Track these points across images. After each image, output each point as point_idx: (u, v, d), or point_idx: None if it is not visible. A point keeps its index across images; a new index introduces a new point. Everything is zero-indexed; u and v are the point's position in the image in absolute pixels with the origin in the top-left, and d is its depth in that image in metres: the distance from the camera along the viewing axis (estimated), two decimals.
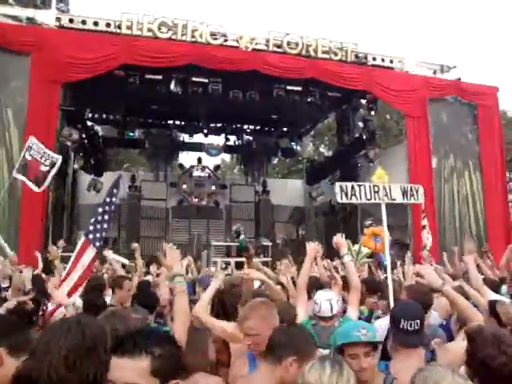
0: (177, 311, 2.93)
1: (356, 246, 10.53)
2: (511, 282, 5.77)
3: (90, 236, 4.38)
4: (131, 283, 5.37)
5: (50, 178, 9.26)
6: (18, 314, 3.49)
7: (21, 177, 9.25)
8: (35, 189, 9.32)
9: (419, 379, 1.94)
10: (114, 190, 4.60)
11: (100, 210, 4.52)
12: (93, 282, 4.83)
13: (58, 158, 9.32)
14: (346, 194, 4.48)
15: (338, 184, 4.51)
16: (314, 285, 5.05)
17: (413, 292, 4.01)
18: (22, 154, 9.18)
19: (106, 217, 4.46)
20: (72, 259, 4.40)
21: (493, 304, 3.62)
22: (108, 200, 4.52)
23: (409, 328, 2.83)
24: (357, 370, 2.31)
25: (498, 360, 2.17)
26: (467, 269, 4.96)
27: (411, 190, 4.85)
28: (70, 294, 4.19)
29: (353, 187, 4.52)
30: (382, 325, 3.62)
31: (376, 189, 4.61)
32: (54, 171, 9.18)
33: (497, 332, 2.37)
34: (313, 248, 4.41)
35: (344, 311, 4.13)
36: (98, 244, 4.42)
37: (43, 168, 9.14)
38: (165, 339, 1.69)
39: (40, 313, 4.09)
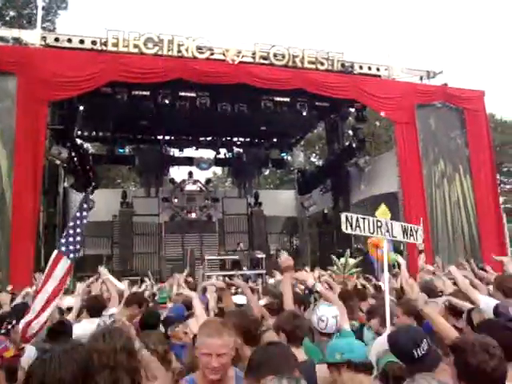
0: None
1: (342, 260, 10.61)
2: None
3: (63, 248, 4.33)
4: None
5: None
6: None
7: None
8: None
9: None
10: (84, 206, 4.58)
11: (71, 223, 4.49)
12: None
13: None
14: (351, 225, 4.57)
15: (343, 214, 4.59)
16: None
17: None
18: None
19: (78, 230, 4.40)
20: (46, 272, 4.37)
21: (469, 311, 3.80)
22: (78, 215, 4.47)
23: (423, 352, 2.78)
24: None
25: (491, 364, 2.18)
26: (454, 277, 5.06)
27: (411, 229, 4.97)
28: (44, 307, 4.16)
29: (357, 219, 4.60)
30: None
31: (379, 224, 4.70)
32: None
33: (480, 338, 2.38)
34: (285, 260, 4.53)
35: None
36: (72, 256, 4.35)
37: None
38: None
39: (3, 330, 4.13)
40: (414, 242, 5.17)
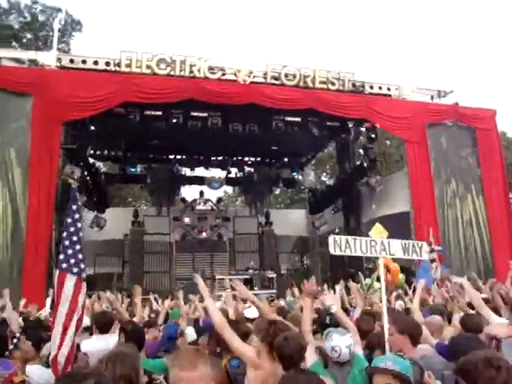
0: None
1: (368, 280, 10.47)
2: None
3: (64, 265, 3.99)
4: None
5: None
6: None
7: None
8: None
9: None
10: (74, 207, 4.15)
11: (65, 234, 4.13)
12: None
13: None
14: (340, 247, 4.55)
15: (331, 237, 4.58)
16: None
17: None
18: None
19: (75, 238, 4.06)
20: (54, 296, 4.10)
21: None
22: (70, 221, 4.11)
23: None
24: None
25: (499, 378, 2.15)
26: (467, 292, 4.99)
27: (413, 246, 4.89)
28: (62, 338, 3.84)
29: (347, 241, 4.57)
30: None
31: (373, 243, 4.67)
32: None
33: (481, 354, 2.34)
34: (310, 288, 4.49)
35: None
36: (76, 270, 3.99)
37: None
38: None
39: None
40: (417, 258, 5.11)
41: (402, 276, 11.06)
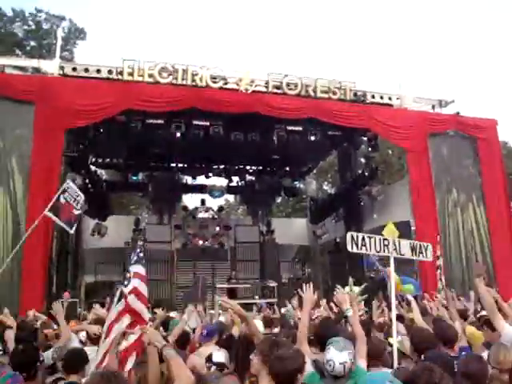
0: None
1: (347, 288, 10.50)
2: None
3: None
4: None
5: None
6: None
7: (53, 216, 9.36)
8: (69, 230, 9.80)
9: None
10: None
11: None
12: None
13: (82, 197, 9.66)
14: (357, 245, 4.64)
15: (349, 234, 4.68)
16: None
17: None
18: (56, 196, 9.27)
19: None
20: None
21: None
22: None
23: None
24: None
25: None
26: (479, 293, 4.96)
27: (420, 247, 5.04)
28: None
29: (363, 238, 4.68)
30: None
31: (386, 242, 4.78)
32: (81, 211, 9.54)
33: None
34: (310, 297, 4.51)
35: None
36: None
37: (75, 212, 9.51)
38: None
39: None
40: (423, 259, 5.24)
41: (409, 285, 11.03)
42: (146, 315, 3.99)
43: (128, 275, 4.10)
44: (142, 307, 3.96)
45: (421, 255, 5.01)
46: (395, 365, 4.20)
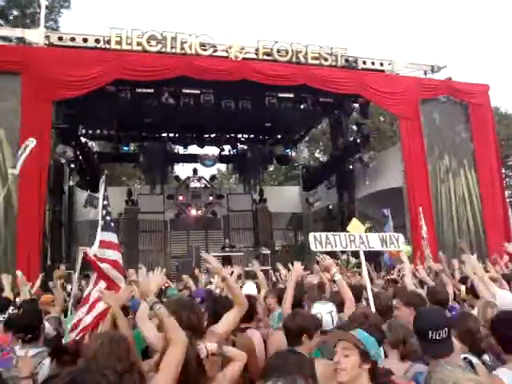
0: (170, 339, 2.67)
1: (344, 256, 10.61)
2: None
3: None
4: None
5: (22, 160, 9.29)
6: None
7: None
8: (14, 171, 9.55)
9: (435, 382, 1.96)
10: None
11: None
12: None
13: (33, 141, 9.35)
14: (321, 243, 4.69)
15: (311, 234, 4.77)
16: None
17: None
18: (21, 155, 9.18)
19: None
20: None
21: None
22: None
23: (437, 338, 2.79)
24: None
25: None
26: (471, 264, 5.12)
27: (391, 238, 5.08)
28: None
29: (327, 237, 4.74)
30: None
31: (352, 238, 4.86)
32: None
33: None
34: (298, 269, 4.87)
35: None
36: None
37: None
38: None
39: None
40: (395, 249, 5.37)
41: (407, 247, 11.10)
42: (121, 282, 4.26)
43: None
44: (117, 274, 4.19)
45: (392, 246, 5.09)
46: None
